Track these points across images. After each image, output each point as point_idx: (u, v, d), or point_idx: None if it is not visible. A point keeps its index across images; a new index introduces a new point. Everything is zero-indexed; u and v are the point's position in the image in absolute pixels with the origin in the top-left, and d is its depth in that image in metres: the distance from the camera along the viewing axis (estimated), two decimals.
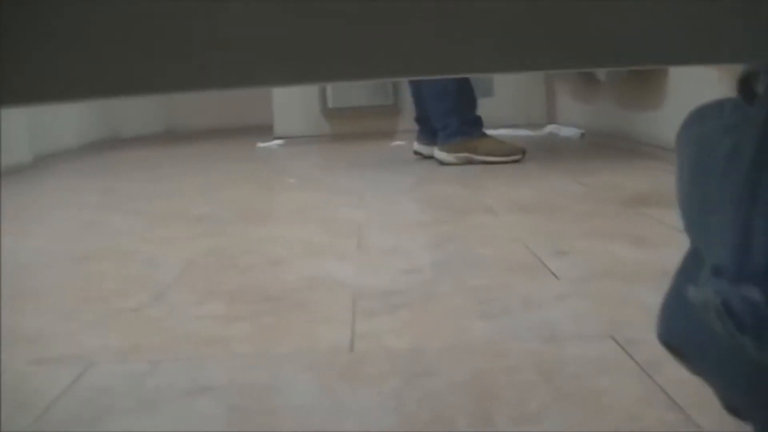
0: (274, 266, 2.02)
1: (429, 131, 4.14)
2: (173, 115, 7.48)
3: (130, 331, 1.55)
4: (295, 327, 1.52)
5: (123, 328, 1.57)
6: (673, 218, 2.32)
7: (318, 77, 0.46)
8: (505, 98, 5.83)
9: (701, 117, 0.75)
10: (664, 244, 2.04)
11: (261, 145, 5.69)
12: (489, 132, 4.12)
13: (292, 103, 5.88)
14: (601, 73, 4.21)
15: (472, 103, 4.07)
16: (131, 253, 2.27)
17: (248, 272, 1.97)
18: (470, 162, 3.92)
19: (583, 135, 5.03)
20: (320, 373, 1.28)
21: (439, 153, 4.00)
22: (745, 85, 0.67)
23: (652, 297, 1.64)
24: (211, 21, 0.43)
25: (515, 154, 3.91)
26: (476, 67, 0.46)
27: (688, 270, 0.76)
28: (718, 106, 0.72)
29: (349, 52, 0.45)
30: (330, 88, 5.72)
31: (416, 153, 4.27)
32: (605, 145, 4.46)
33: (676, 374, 1.04)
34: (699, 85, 3.32)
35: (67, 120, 5.70)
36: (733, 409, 0.79)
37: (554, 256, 1.95)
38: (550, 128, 5.55)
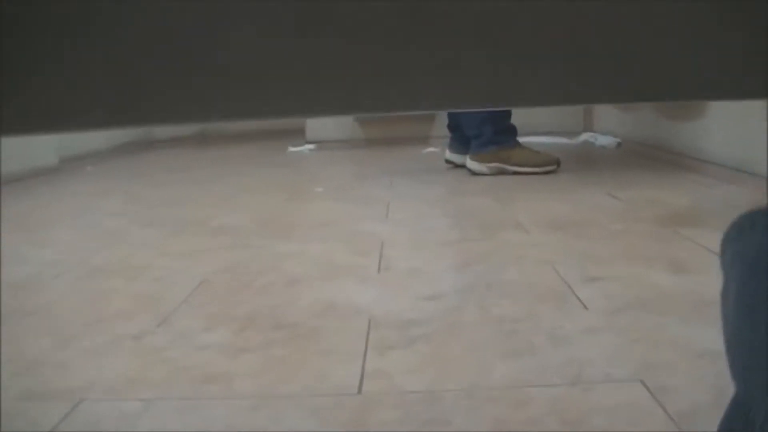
0: (291, 287, 1.92)
1: (461, 139, 4.05)
2: None
3: (128, 361, 1.46)
4: (304, 361, 1.42)
5: (121, 358, 1.48)
6: (712, 240, 2.21)
7: (340, 109, 0.45)
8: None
9: (752, 225, 0.62)
10: (701, 270, 1.93)
11: (292, 149, 5.62)
12: (523, 139, 4.02)
13: None
14: None
15: (506, 112, 3.96)
16: (144, 268, 2.19)
17: (264, 293, 1.88)
18: (503, 172, 3.82)
19: (619, 144, 4.92)
20: (324, 419, 1.18)
21: (471, 162, 3.90)
22: None
23: (688, 333, 1.55)
24: (224, 49, 0.43)
25: (549, 164, 3.80)
26: (492, 101, 0.46)
27: (732, 424, 0.61)
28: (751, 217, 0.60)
29: (378, 84, 0.45)
30: None
31: (448, 162, 4.17)
32: (643, 156, 4.35)
33: (709, 427, 0.94)
34: None
35: None
36: None
37: (585, 282, 1.85)
38: (586, 136, 5.44)
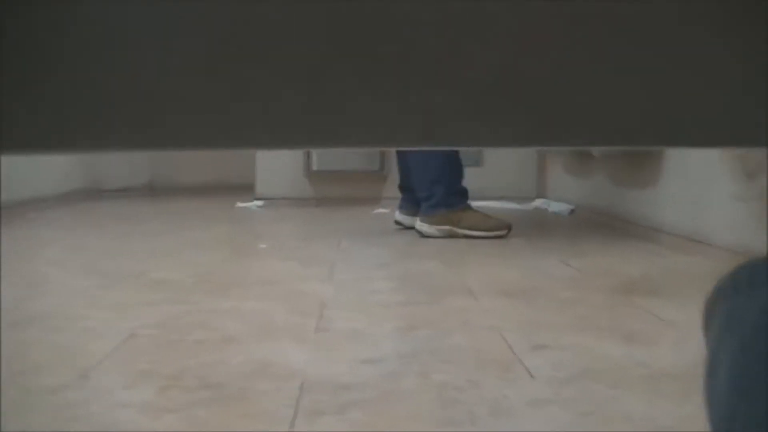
0: (223, 345, 1.82)
1: (412, 200, 3.97)
2: (157, 169, 7.32)
3: (40, 418, 1.35)
4: (228, 424, 1.32)
5: (33, 414, 1.37)
6: (665, 310, 2.15)
7: (304, 143, 0.46)
8: (494, 169, 5.69)
9: (750, 282, 0.51)
10: (654, 341, 1.85)
11: (241, 205, 5.53)
12: (475, 203, 3.95)
13: (276, 164, 5.71)
14: (595, 148, 4.05)
15: (458, 174, 3.89)
16: (73, 319, 2.08)
17: (193, 351, 1.78)
18: (453, 235, 3.74)
19: (572, 211, 4.87)
20: None
21: (420, 224, 3.82)
22: None
23: (640, 407, 1.46)
24: (211, 82, 0.44)
25: (500, 229, 3.73)
26: (465, 141, 0.46)
27: None
28: (748, 273, 0.50)
29: (338, 120, 0.45)
30: (315, 150, 5.56)
31: (397, 223, 4.09)
32: (596, 223, 4.29)
33: None
34: (699, 164, 3.16)
35: (44, 166, 5.52)
36: None
37: (532, 350, 1.76)
38: (539, 202, 5.39)
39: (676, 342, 1.84)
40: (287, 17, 0.44)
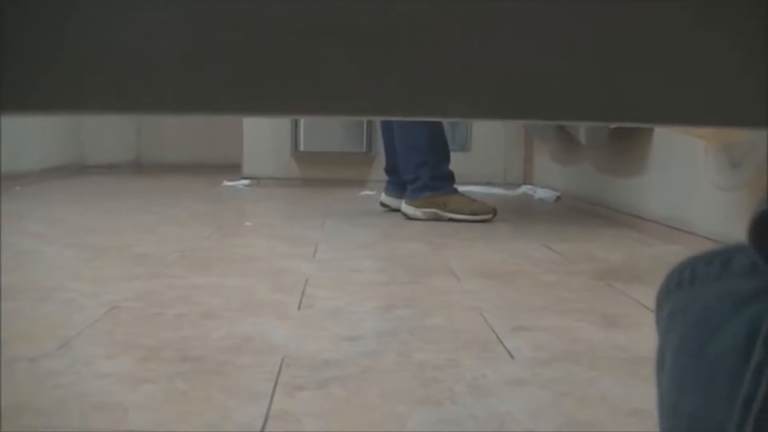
0: (205, 319, 1.82)
1: (398, 183, 3.97)
2: (144, 145, 7.30)
3: (17, 386, 1.35)
4: (206, 397, 1.32)
5: (10, 382, 1.37)
6: (646, 295, 2.15)
7: (284, 110, 0.45)
8: (482, 154, 5.70)
9: (694, 277, 0.51)
10: (634, 325, 1.86)
11: (227, 183, 5.53)
12: (462, 188, 3.95)
13: (263, 144, 5.70)
14: (581, 135, 4.05)
15: (445, 157, 3.89)
16: (54, 290, 2.08)
17: (174, 324, 1.77)
18: (438, 218, 3.74)
19: (558, 197, 4.87)
20: None
21: (406, 207, 3.82)
22: (763, 230, 0.46)
23: (617, 389, 1.46)
24: (210, 47, 0.43)
25: (485, 213, 3.73)
26: (463, 113, 0.46)
27: None
28: (720, 260, 0.49)
29: (330, 89, 0.44)
30: (302, 131, 5.56)
31: (383, 205, 4.09)
32: (581, 210, 4.30)
33: None
34: (683, 154, 3.17)
35: (30, 140, 5.50)
36: None
37: (513, 331, 1.76)
38: (525, 188, 5.39)
39: (654, 327, 1.84)
40: None
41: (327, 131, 5.57)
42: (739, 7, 0.44)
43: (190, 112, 0.45)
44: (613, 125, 3.68)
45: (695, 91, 0.44)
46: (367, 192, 5.11)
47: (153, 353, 1.55)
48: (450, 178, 3.87)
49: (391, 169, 4.06)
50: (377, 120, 4.62)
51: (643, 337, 1.76)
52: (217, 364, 1.50)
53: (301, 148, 5.67)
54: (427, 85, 0.45)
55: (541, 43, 0.44)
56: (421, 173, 3.79)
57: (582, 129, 3.99)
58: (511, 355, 1.58)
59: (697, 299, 0.49)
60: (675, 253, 2.94)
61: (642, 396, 1.37)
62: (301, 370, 1.47)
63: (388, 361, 1.54)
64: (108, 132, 6.90)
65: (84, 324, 1.74)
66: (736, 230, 2.74)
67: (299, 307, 1.96)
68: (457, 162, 4.10)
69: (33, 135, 5.57)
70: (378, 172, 5.07)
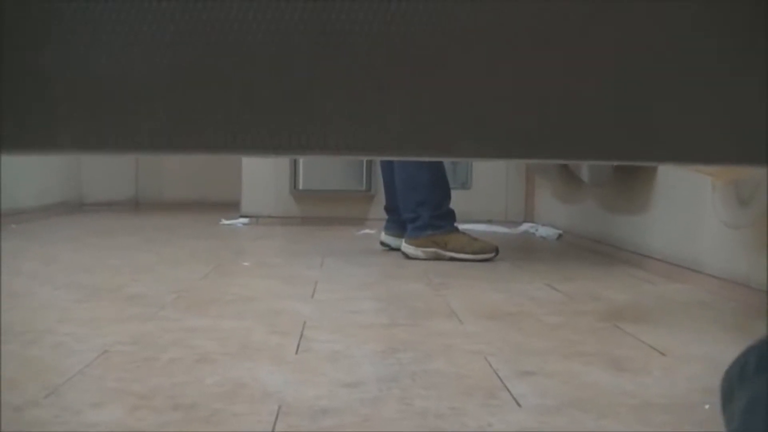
0: (199, 364, 1.76)
1: (398, 222, 3.92)
2: (142, 183, 7.25)
3: None
4: None
5: None
6: (654, 337, 2.09)
7: (286, 150, 0.45)
8: (483, 192, 5.64)
9: (762, 367, 0.46)
10: (643, 368, 1.80)
11: (225, 222, 5.47)
12: (462, 226, 3.90)
13: (262, 182, 5.65)
14: (584, 173, 4.00)
15: (445, 195, 3.84)
16: (44, 333, 2.02)
17: (167, 370, 1.71)
18: (438, 258, 3.68)
19: (560, 236, 4.82)
20: None
21: (406, 246, 3.76)
22: None
23: None
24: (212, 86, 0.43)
25: (487, 252, 3.68)
26: (447, 152, 0.46)
27: None
28: None
29: (334, 128, 0.44)
30: (302, 168, 5.51)
31: (383, 244, 4.03)
32: (584, 248, 4.24)
33: None
34: (688, 191, 3.11)
35: (27, 177, 5.44)
36: None
37: (519, 376, 1.70)
38: (526, 226, 5.34)
39: (665, 371, 1.78)
40: (274, 20, 0.43)
41: (326, 169, 5.52)
42: (739, 48, 0.44)
43: (176, 150, 0.44)
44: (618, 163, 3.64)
45: (702, 131, 0.44)
46: (367, 231, 5.06)
47: (144, 401, 1.49)
48: (451, 216, 3.82)
49: (391, 208, 4.01)
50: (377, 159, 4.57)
51: (652, 381, 1.70)
52: (210, 412, 1.44)
53: (300, 186, 5.61)
54: (432, 125, 0.45)
55: (545, 83, 0.44)
56: (421, 212, 3.74)
57: (584, 166, 3.94)
58: (517, 403, 1.52)
59: None
60: (681, 291, 2.88)
61: None
62: (299, 418, 1.41)
63: (389, 409, 1.48)
64: (107, 170, 6.86)
65: (74, 369, 1.68)
66: (743, 269, 2.69)
67: (297, 351, 1.90)
68: (457, 200, 4.05)
69: (31, 172, 5.52)
70: (378, 210, 5.01)
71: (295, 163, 5.54)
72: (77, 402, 1.48)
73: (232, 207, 5.88)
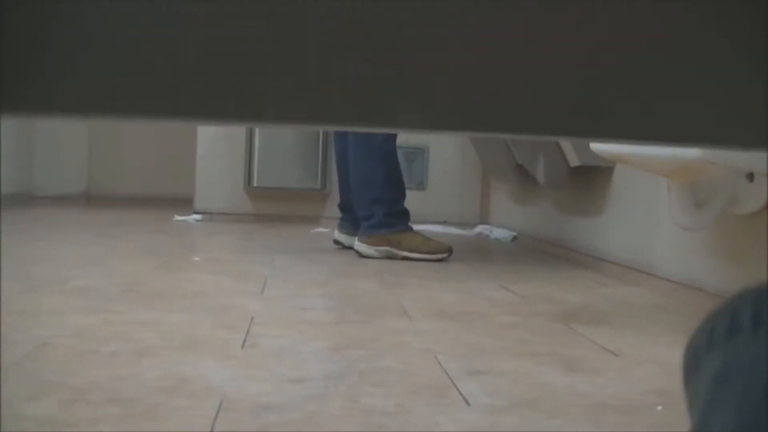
0: (140, 358, 1.71)
1: (352, 220, 3.87)
2: (95, 177, 7.17)
3: None
4: None
5: None
6: (607, 339, 2.06)
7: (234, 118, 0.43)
8: (438, 193, 5.61)
9: (756, 322, 0.43)
10: (594, 368, 1.77)
11: (178, 218, 5.40)
12: (417, 227, 3.86)
13: (216, 178, 5.58)
14: (540, 174, 3.97)
15: (400, 194, 3.80)
16: None
17: (108, 363, 1.66)
18: (392, 257, 3.64)
19: (515, 237, 4.79)
20: None
21: (359, 244, 3.72)
22: None
23: None
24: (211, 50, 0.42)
25: (441, 252, 3.64)
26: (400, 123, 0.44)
27: None
28: (751, 310, 0.41)
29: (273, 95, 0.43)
30: (256, 165, 5.45)
31: (336, 242, 3.98)
32: (539, 250, 4.22)
33: None
34: (645, 193, 3.10)
35: None
36: None
37: (469, 375, 1.66)
38: (481, 228, 5.30)
39: (618, 372, 1.75)
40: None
41: (281, 166, 5.47)
42: (739, 30, 0.43)
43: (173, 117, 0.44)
44: (575, 163, 3.62)
45: (695, 111, 0.44)
46: (321, 229, 5.01)
47: (80, 394, 1.44)
48: (405, 215, 3.78)
49: (345, 206, 3.97)
50: (330, 142, 4.54)
51: (605, 382, 1.67)
52: (149, 406, 1.39)
53: (255, 183, 5.56)
54: (376, 95, 0.43)
55: (506, 58, 0.43)
56: (375, 210, 3.70)
57: (540, 168, 3.92)
58: (466, 402, 1.48)
59: (760, 347, 0.39)
60: (635, 294, 2.86)
61: None
62: (240, 414, 1.36)
63: (334, 406, 1.44)
64: (58, 163, 6.76)
65: (11, 361, 1.63)
66: (698, 272, 2.67)
67: (243, 346, 1.85)
68: (413, 200, 4.02)
69: None
70: (332, 209, 4.96)
71: (249, 160, 5.48)
72: (12, 394, 1.42)
73: (186, 203, 5.82)
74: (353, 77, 0.43)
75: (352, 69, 0.42)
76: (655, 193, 2.97)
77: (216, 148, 5.53)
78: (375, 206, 3.71)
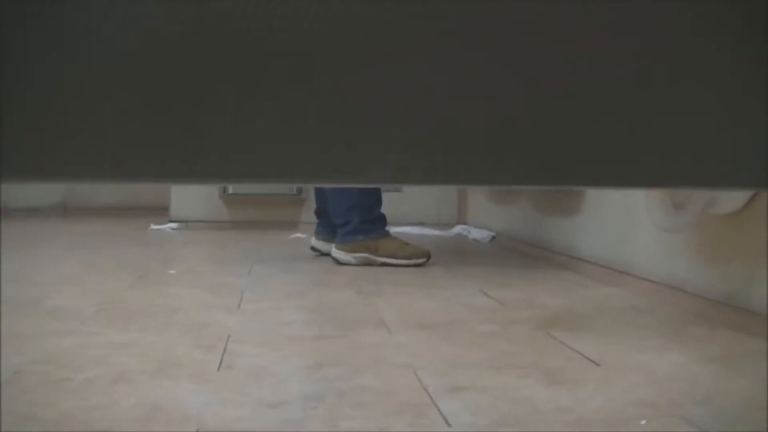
0: (115, 385, 1.68)
1: (328, 226, 3.85)
2: (70, 188, 7.12)
3: None
4: None
5: None
6: (588, 346, 2.04)
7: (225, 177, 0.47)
8: (414, 195, 5.59)
9: None
10: (577, 380, 1.74)
11: (154, 227, 5.37)
12: (394, 229, 3.84)
13: (191, 186, 5.54)
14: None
15: (376, 200, 3.78)
16: None
17: (82, 392, 1.63)
18: (370, 263, 3.62)
19: (493, 238, 4.77)
20: None
21: (336, 251, 3.69)
22: None
23: None
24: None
25: (419, 257, 3.62)
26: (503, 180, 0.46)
27: None
28: None
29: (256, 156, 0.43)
30: None
31: (313, 249, 3.96)
32: (517, 251, 4.20)
33: None
34: (623, 193, 3.08)
35: None
36: None
37: (449, 392, 1.64)
38: (459, 229, 5.29)
39: (600, 383, 1.73)
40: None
41: None
42: (736, 74, 0.42)
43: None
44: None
45: (700, 155, 0.43)
46: (298, 234, 4.98)
47: (55, 426, 1.41)
48: (382, 221, 3.76)
49: (321, 212, 3.94)
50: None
51: (587, 394, 1.64)
52: None
53: (230, 190, 5.54)
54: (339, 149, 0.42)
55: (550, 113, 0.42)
56: (351, 216, 3.68)
57: None
58: (447, 422, 1.46)
59: None
60: (615, 295, 2.84)
61: None
62: None
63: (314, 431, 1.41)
64: None
65: None
66: (677, 273, 2.65)
67: (219, 367, 1.82)
68: (389, 203, 3.99)
69: None
70: (309, 214, 4.93)
71: None
72: None
73: (162, 211, 5.78)
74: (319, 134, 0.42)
75: (319, 125, 0.42)
76: (633, 192, 2.96)
77: None
78: (351, 213, 3.69)
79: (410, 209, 5.49)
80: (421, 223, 5.41)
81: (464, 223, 5.48)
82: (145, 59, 0.42)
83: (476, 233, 4.98)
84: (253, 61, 0.42)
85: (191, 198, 5.57)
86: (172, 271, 3.46)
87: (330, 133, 0.42)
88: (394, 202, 4.69)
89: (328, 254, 3.80)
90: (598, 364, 1.87)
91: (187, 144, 0.42)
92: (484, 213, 5.16)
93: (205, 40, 0.42)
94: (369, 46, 0.40)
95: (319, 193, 3.96)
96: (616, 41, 0.41)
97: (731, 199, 2.28)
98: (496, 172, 0.43)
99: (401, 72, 0.40)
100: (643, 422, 1.47)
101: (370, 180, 0.45)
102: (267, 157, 0.43)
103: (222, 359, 1.89)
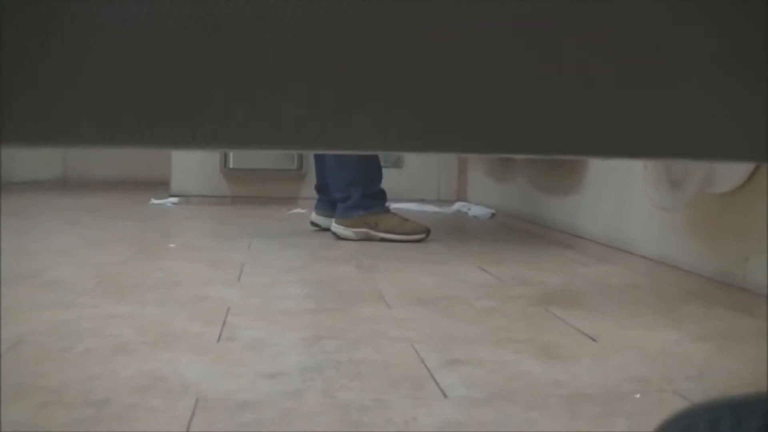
0: (115, 355, 1.69)
1: (329, 201, 3.86)
2: (70, 162, 7.13)
3: None
4: None
5: None
6: (585, 322, 2.05)
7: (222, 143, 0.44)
8: (415, 171, 5.61)
9: None
10: (574, 356, 1.76)
11: (155, 201, 5.38)
12: (394, 206, 3.86)
13: (192, 161, 5.56)
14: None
15: (376, 175, 3.79)
16: None
17: (82, 362, 1.64)
18: (369, 238, 3.63)
19: (493, 215, 4.79)
20: None
21: (336, 226, 3.71)
22: None
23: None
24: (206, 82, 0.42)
25: (418, 233, 3.63)
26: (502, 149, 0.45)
27: None
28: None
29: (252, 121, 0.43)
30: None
31: (313, 224, 3.97)
32: (516, 228, 4.21)
33: None
34: (621, 172, 3.09)
35: None
36: None
37: (446, 366, 1.65)
38: (459, 206, 5.30)
39: (596, 359, 1.74)
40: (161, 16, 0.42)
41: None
42: (737, 42, 0.43)
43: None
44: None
45: (701, 126, 0.44)
46: (298, 210, 5.00)
47: (55, 397, 1.42)
48: (382, 196, 3.77)
49: (321, 187, 3.96)
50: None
51: (583, 370, 1.66)
52: (124, 407, 1.37)
53: (231, 164, 5.54)
54: (330, 116, 0.43)
55: (552, 83, 0.42)
56: (352, 191, 3.69)
57: None
58: (444, 394, 1.47)
59: None
60: (613, 273, 2.85)
61: None
62: (216, 413, 1.35)
63: (311, 402, 1.43)
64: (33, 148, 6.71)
65: None
66: (673, 251, 2.67)
67: (219, 339, 1.83)
68: (389, 178, 4.01)
69: None
70: (309, 189, 4.94)
71: None
72: None
73: (162, 186, 5.79)
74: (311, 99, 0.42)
75: (312, 91, 0.42)
76: (632, 170, 2.97)
77: None
78: (351, 188, 3.70)
79: (410, 186, 5.50)
80: (421, 200, 5.42)
81: (464, 200, 5.49)
82: (145, 23, 0.42)
83: (476, 210, 4.99)
84: (251, 26, 0.42)
85: (192, 173, 5.58)
86: (172, 245, 3.47)
87: (328, 99, 0.42)
88: (394, 178, 4.71)
89: (327, 229, 3.82)
90: (594, 340, 1.89)
91: (185, 109, 0.43)
92: (484, 190, 5.17)
93: (206, 5, 0.42)
94: (370, 13, 0.41)
95: (320, 169, 3.97)
96: (616, 9, 0.42)
97: (727, 178, 2.29)
98: (496, 139, 0.43)
99: (401, 38, 0.41)
100: (637, 396, 1.48)
101: (369, 147, 0.43)
102: (264, 123, 0.43)
103: (221, 331, 1.90)
